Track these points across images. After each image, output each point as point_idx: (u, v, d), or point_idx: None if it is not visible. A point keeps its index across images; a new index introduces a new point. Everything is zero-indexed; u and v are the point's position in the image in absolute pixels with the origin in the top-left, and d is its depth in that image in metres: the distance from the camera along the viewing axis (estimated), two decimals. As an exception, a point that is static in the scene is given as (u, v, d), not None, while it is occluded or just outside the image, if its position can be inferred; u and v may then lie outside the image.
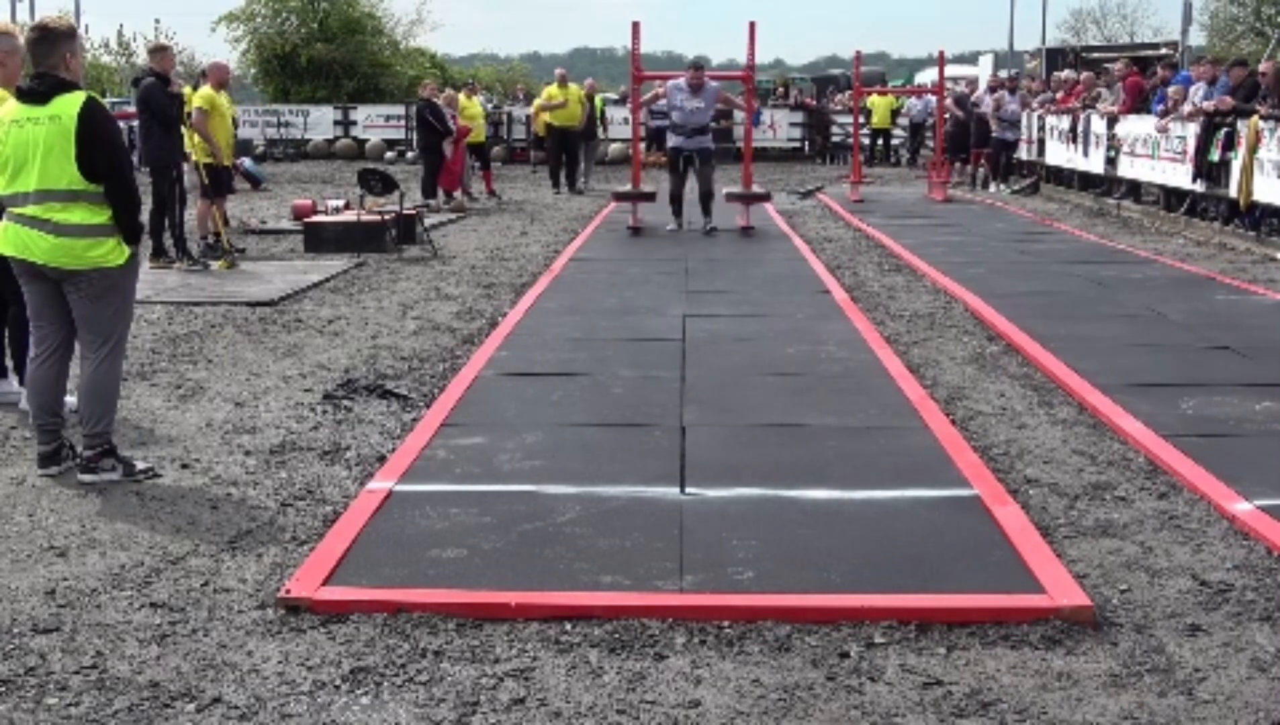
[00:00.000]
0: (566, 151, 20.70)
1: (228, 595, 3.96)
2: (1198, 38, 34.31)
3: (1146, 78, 18.12)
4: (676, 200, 14.33)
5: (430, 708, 3.24)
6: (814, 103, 31.95)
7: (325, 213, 14.23)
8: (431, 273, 11.27)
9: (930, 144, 25.34)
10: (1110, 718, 3.21)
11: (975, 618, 3.74)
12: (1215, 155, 13.98)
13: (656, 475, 5.06)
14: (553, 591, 3.89)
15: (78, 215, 4.91)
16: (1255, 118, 13.11)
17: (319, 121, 30.53)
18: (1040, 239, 13.97)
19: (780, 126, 30.46)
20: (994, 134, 21.03)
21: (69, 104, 4.87)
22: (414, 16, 44.98)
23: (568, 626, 3.70)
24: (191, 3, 40.47)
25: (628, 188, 15.38)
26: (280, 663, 3.49)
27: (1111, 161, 17.69)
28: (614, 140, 26.83)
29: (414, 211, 13.69)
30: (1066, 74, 22.01)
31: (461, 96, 19.00)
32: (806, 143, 30.53)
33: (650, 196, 14.92)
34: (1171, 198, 15.92)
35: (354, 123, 30.65)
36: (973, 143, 22.07)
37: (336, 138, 30.04)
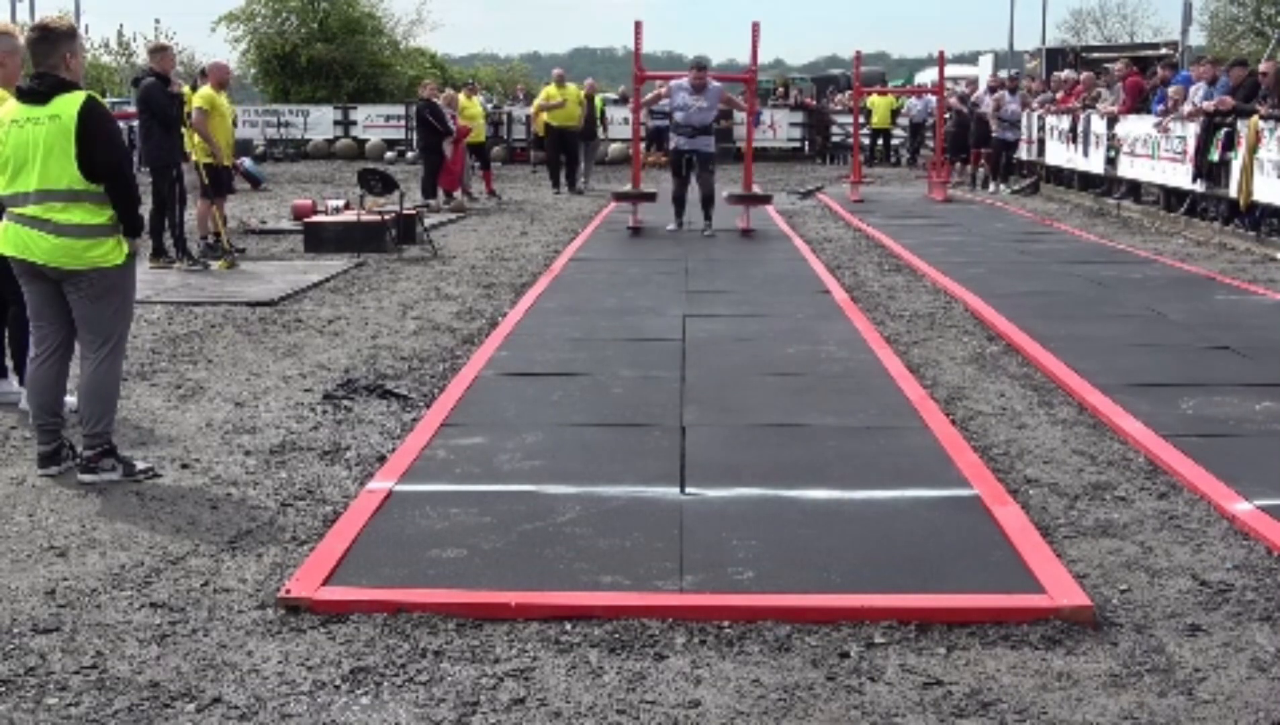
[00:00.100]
0: (566, 151, 20.70)
1: (228, 595, 3.96)
2: (1198, 38, 34.36)
3: (1146, 78, 18.12)
4: (679, 201, 14.32)
5: (430, 708, 3.24)
6: (814, 103, 31.95)
7: (325, 213, 14.22)
8: (431, 273, 11.27)
9: (930, 144, 25.34)
10: (1110, 718, 3.21)
11: (975, 618, 3.74)
12: (1215, 155, 13.98)
13: (656, 475, 5.06)
14: (553, 591, 3.89)
15: (78, 215, 4.91)
16: (1255, 118, 13.11)
17: (319, 121, 30.50)
18: (1040, 239, 13.97)
19: (780, 126, 30.46)
20: (994, 134, 21.02)
21: (69, 104, 4.87)
22: (414, 16, 45.08)
23: (568, 626, 3.70)
24: (191, 3, 40.52)
25: (628, 188, 15.39)
26: (280, 663, 3.49)
27: (1111, 161, 17.70)
28: (614, 140, 26.82)
29: (414, 211, 13.68)
30: (1066, 74, 22.00)
31: (461, 96, 19.00)
32: (806, 143, 30.52)
33: (650, 197, 14.91)
34: (1171, 198, 15.92)
35: (354, 123, 30.62)
36: (973, 143, 22.08)
37: (336, 138, 30.02)
